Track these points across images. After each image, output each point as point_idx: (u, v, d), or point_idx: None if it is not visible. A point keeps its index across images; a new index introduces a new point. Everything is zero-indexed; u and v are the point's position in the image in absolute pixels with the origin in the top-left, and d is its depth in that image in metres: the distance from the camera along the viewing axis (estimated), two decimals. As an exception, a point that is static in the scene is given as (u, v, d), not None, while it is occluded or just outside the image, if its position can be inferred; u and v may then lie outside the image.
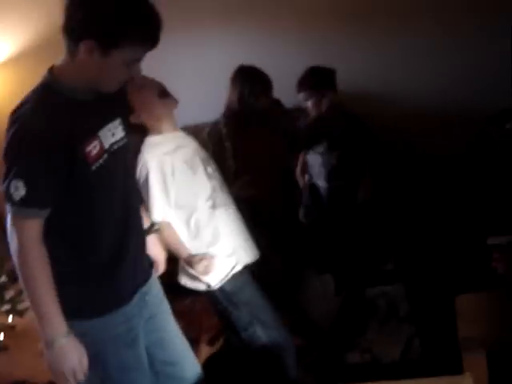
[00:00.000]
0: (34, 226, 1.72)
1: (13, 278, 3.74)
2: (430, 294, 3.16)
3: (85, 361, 1.78)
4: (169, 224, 2.43)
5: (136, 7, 1.68)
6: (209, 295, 2.55)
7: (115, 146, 1.86)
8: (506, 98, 3.68)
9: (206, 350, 2.97)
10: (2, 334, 3.43)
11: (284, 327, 2.60)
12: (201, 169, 2.47)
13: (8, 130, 1.71)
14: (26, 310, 3.48)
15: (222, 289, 2.49)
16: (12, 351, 3.35)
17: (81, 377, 1.77)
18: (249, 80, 3.12)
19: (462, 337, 2.30)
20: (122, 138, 1.91)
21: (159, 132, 2.43)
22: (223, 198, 2.53)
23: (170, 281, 2.43)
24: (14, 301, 3.46)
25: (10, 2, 4.41)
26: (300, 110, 3.79)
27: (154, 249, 2.29)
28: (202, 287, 2.52)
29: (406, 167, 4.00)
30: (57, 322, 1.73)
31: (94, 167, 1.77)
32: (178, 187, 2.39)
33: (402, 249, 3.58)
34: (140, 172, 2.35)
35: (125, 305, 1.93)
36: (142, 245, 2.07)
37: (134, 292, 1.97)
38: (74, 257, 1.84)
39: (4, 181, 1.69)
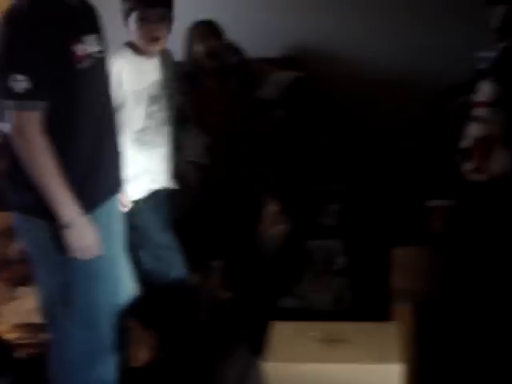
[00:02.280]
0: (38, 119, 1.80)
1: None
2: (368, 247, 3.26)
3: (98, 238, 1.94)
4: None
5: None
6: None
7: (96, 55, 1.95)
8: (455, 73, 3.76)
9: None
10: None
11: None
12: (143, 105, 2.48)
13: (3, 29, 1.79)
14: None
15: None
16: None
17: (99, 251, 1.93)
18: (203, 38, 3.11)
19: (393, 288, 2.40)
20: (101, 51, 2.00)
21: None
22: (155, 139, 2.54)
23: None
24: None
25: None
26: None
27: None
28: None
29: (355, 127, 4.08)
30: (73, 206, 1.87)
31: (79, 66, 1.86)
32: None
33: (345, 203, 3.66)
34: None
35: (98, 207, 1.99)
36: (117, 158, 2.13)
37: (107, 197, 2.05)
38: (57, 153, 1.86)
39: (1, 77, 1.74)
